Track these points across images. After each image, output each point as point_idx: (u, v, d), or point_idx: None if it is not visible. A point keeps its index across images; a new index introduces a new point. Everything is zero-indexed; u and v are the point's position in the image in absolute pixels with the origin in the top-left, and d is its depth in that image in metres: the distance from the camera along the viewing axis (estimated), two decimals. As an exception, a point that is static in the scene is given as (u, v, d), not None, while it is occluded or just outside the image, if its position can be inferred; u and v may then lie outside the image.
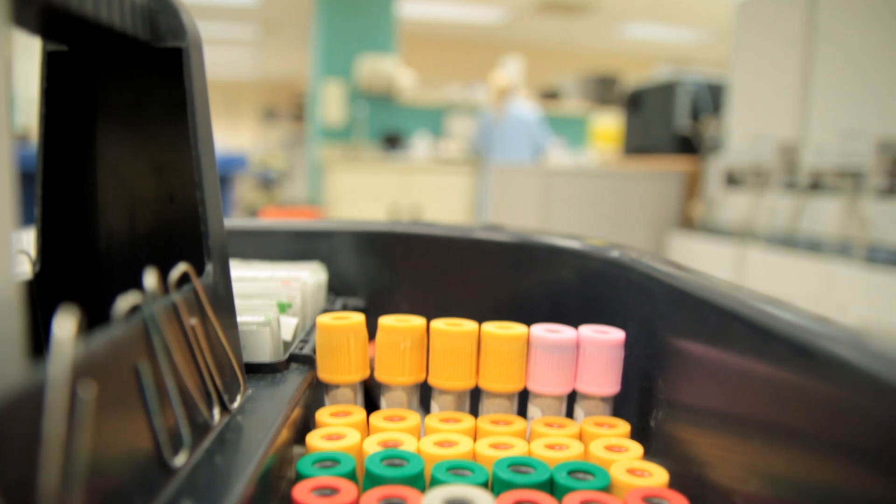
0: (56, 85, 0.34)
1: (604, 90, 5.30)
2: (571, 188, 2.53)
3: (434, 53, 6.61)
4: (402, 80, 4.81)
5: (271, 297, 0.44)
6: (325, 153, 4.57)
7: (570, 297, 0.51)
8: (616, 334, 0.39)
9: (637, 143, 2.92)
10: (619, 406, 0.41)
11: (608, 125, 5.05)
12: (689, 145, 2.61)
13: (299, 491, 0.29)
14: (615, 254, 0.47)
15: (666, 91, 2.69)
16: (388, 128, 4.94)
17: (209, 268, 0.33)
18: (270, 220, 0.60)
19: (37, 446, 0.18)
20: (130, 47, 0.32)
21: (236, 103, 9.68)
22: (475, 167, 4.30)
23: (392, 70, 4.71)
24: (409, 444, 0.35)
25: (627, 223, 2.55)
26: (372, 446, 0.34)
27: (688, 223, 2.52)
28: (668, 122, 2.66)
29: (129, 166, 0.36)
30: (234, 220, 0.58)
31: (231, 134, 9.37)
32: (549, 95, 5.40)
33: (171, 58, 0.33)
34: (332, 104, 4.78)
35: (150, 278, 0.26)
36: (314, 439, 0.35)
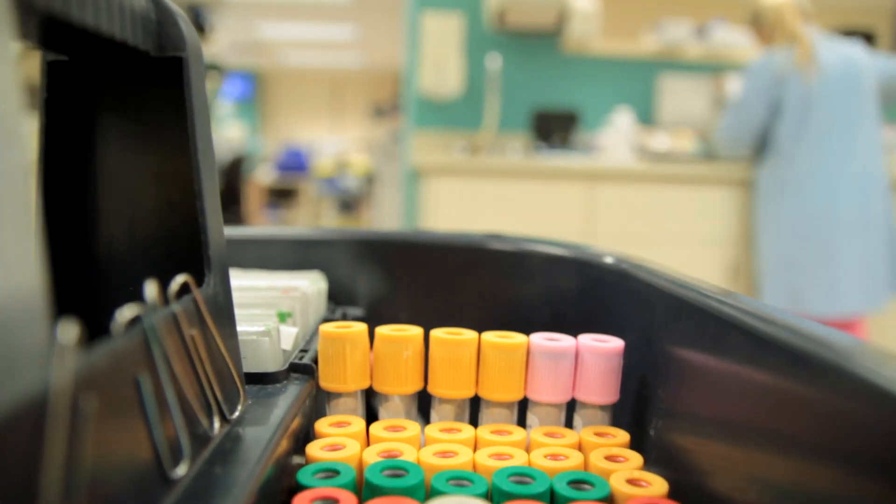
0: (56, 95, 0.34)
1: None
2: None
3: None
4: (579, 7, 2.43)
5: (271, 307, 0.44)
6: (421, 152, 2.54)
7: (569, 305, 0.51)
8: (615, 343, 0.39)
9: None
10: (618, 415, 0.41)
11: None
12: None
13: (299, 501, 0.29)
14: (614, 262, 0.47)
15: None
16: (547, 101, 2.67)
17: (209, 278, 0.33)
18: (270, 228, 0.60)
19: (38, 458, 0.18)
20: (131, 57, 0.32)
21: (341, 98, 8.58)
22: (739, 172, 2.22)
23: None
24: (409, 455, 0.35)
25: None
26: (372, 457, 0.34)
27: None
28: None
29: (129, 176, 0.36)
30: (234, 229, 0.58)
31: (337, 135, 8.19)
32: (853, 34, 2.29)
33: (171, 67, 0.33)
34: (435, 57, 2.53)
35: (151, 289, 0.26)
36: (314, 449, 0.34)
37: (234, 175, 4.42)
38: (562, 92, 2.74)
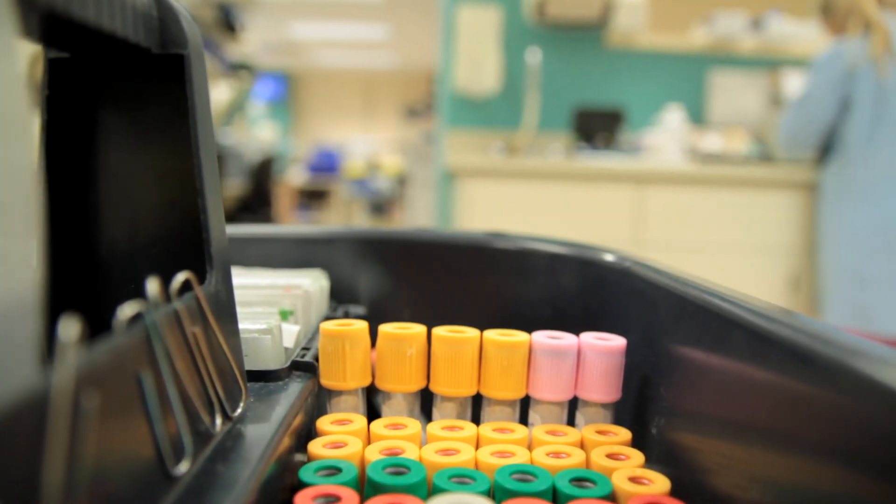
0: (58, 92, 0.34)
1: None
2: None
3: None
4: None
5: (273, 305, 0.44)
6: (455, 153, 2.37)
7: (571, 303, 0.51)
8: (617, 341, 0.39)
9: None
10: (620, 413, 0.41)
11: None
12: None
13: (301, 499, 0.29)
14: (617, 261, 0.47)
15: None
16: (590, 98, 2.51)
17: (211, 275, 0.33)
18: (272, 227, 0.60)
19: (40, 455, 0.18)
20: (132, 54, 0.32)
21: (373, 99, 8.40)
22: (801, 174, 2.06)
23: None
24: (410, 452, 0.35)
25: None
26: (374, 454, 0.34)
27: None
28: None
29: (131, 173, 0.36)
30: (236, 227, 0.58)
31: (369, 136, 7.99)
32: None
33: (172, 64, 0.33)
34: (470, 53, 2.39)
35: (153, 286, 0.26)
36: (316, 447, 0.34)
37: (263, 176, 4.22)
38: (606, 89, 2.55)
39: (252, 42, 4.85)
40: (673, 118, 2.35)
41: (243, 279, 0.49)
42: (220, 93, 4.31)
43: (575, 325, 0.43)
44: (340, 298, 0.56)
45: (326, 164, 6.80)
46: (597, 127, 2.40)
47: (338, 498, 0.29)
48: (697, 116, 2.59)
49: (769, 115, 2.52)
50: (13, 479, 0.17)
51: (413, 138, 5.26)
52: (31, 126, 0.19)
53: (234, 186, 3.76)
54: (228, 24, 3.89)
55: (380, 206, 6.19)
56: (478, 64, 2.39)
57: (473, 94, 2.46)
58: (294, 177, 6.66)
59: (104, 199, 0.36)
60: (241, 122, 5.05)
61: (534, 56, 2.42)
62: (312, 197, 6.69)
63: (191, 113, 0.33)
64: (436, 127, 3.02)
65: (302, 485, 0.31)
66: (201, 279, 0.32)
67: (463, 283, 0.55)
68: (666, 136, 2.31)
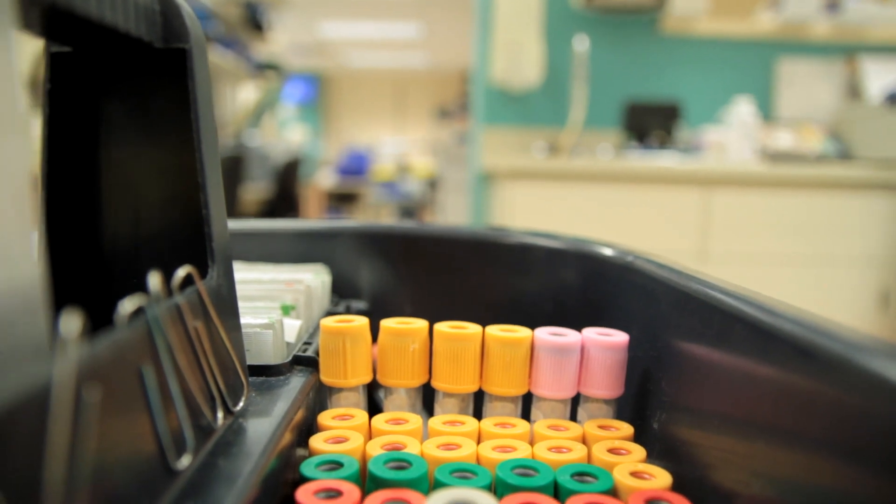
0: (59, 86, 0.34)
1: None
2: None
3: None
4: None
5: (275, 300, 0.44)
6: (492, 153, 2.20)
7: (573, 299, 0.51)
8: (620, 337, 0.39)
9: None
10: (622, 408, 0.41)
11: None
12: None
13: (303, 493, 0.29)
14: (618, 256, 0.47)
15: None
16: (642, 91, 2.27)
17: (213, 270, 0.33)
18: (274, 221, 0.60)
19: (41, 449, 0.18)
20: (134, 48, 0.32)
21: (404, 100, 8.28)
22: (893, 174, 1.83)
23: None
24: (412, 447, 0.35)
25: None
26: (375, 449, 0.34)
27: None
28: None
29: (133, 168, 0.36)
30: (238, 222, 0.58)
31: (400, 138, 7.78)
32: None
33: (175, 59, 0.33)
34: (509, 41, 2.14)
35: (154, 280, 0.26)
36: (317, 442, 0.35)
37: (289, 179, 3.97)
38: (660, 81, 2.29)
39: (280, 42, 4.76)
40: (743, 112, 2.06)
41: (245, 274, 0.49)
42: (247, 93, 4.21)
43: (576, 320, 0.43)
44: (342, 293, 0.56)
45: (356, 167, 6.64)
46: (650, 123, 2.16)
47: (339, 492, 0.29)
48: (764, 110, 2.31)
49: (847, 108, 2.23)
50: (15, 473, 0.17)
51: (445, 139, 5.06)
52: (29, 120, 0.19)
53: (259, 189, 3.60)
54: (255, 22, 3.82)
55: (410, 211, 5.92)
56: (517, 54, 2.16)
57: (512, 87, 2.23)
58: (323, 179, 6.53)
59: (106, 194, 0.36)
60: (272, 124, 4.94)
61: (582, 43, 2.16)
62: (342, 200, 6.53)
63: (193, 107, 0.33)
64: (470, 126, 2.80)
65: (303, 479, 0.31)
66: (203, 274, 0.32)
67: (464, 277, 0.55)
68: (733, 133, 2.03)
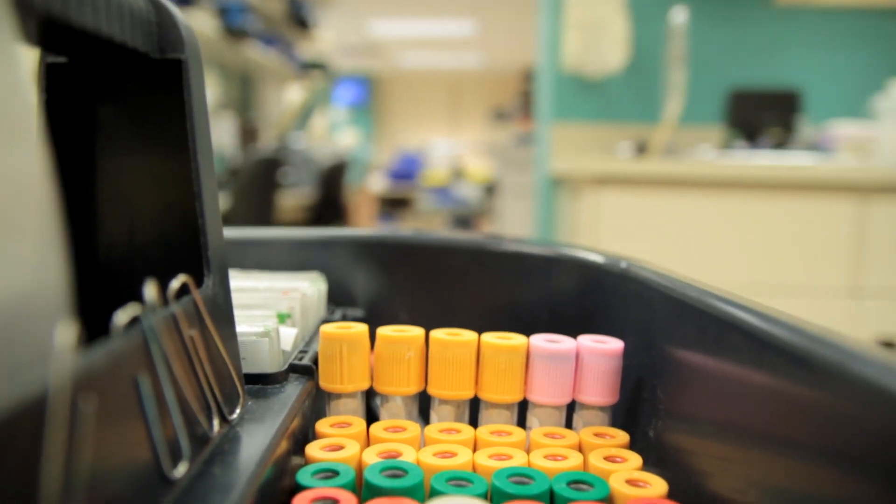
0: (55, 96, 0.34)
1: None
2: None
3: None
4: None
5: (271, 308, 0.44)
6: (563, 153, 1.87)
7: (568, 306, 0.51)
8: (615, 344, 0.39)
9: None
10: (617, 416, 0.41)
11: None
12: None
13: (299, 501, 0.29)
14: (614, 263, 0.47)
15: None
16: (750, 76, 1.84)
17: (208, 279, 0.33)
18: (270, 230, 0.60)
19: (37, 458, 0.18)
20: (130, 59, 0.32)
21: (459, 101, 7.93)
22: None
23: None
24: (408, 455, 0.35)
25: None
26: (371, 457, 0.34)
27: None
28: None
29: (129, 177, 0.36)
30: (234, 230, 0.58)
31: (453, 139, 7.41)
32: None
33: (170, 69, 0.33)
34: (585, 19, 1.75)
35: (150, 290, 0.26)
36: (314, 450, 0.34)
37: (334, 184, 3.57)
38: (774, 63, 1.83)
39: (328, 41, 4.55)
40: (877, 119, 1.56)
41: (241, 282, 0.49)
42: (291, 94, 3.99)
43: (572, 328, 0.43)
44: (338, 301, 0.56)
45: (407, 170, 6.32)
46: (762, 117, 1.71)
47: (336, 501, 0.29)
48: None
49: None
50: (10, 483, 0.17)
51: (503, 141, 4.63)
52: (36, 129, 0.19)
53: (302, 195, 3.28)
54: (299, 19, 3.65)
55: (465, 219, 5.38)
56: (596, 34, 1.74)
57: (589, 75, 1.82)
58: (375, 184, 6.22)
59: (102, 203, 0.36)
60: (322, 126, 4.77)
61: (679, 16, 1.63)
62: (395, 205, 6.18)
63: (188, 117, 0.33)
64: (534, 125, 2.36)
65: (299, 487, 0.31)
66: (199, 282, 0.32)
67: (460, 285, 0.55)
68: (891, 128, 1.50)
